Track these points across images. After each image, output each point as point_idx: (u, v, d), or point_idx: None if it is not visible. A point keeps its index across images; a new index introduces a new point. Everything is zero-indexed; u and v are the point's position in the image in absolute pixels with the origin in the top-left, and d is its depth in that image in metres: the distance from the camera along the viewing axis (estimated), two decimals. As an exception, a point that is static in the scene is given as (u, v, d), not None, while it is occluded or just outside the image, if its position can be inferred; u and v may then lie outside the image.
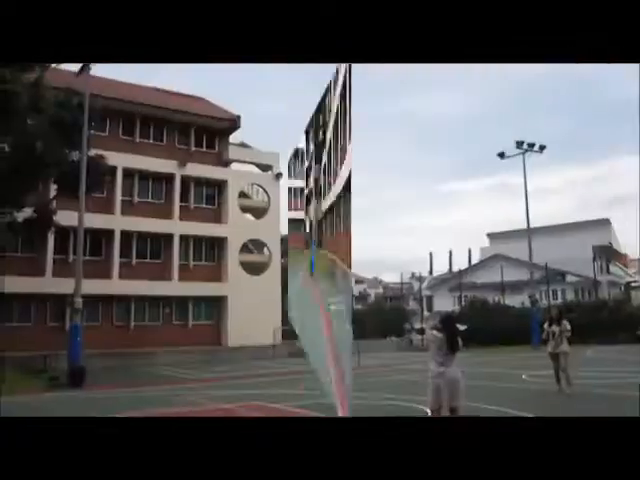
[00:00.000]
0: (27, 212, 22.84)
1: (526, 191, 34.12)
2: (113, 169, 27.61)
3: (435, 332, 6.59)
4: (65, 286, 23.46)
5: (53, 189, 24.27)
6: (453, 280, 50.08)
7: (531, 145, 33.87)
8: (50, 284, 27.04)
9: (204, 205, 33.71)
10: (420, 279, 49.63)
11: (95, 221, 26.42)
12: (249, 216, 36.01)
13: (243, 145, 36.38)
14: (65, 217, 23.68)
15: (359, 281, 70.65)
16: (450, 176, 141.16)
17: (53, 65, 20.44)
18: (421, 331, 40.74)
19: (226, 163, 34.52)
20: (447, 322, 6.62)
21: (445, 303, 49.76)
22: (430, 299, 53.26)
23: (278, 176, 35.46)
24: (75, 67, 21.10)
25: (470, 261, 57.88)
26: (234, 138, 35.70)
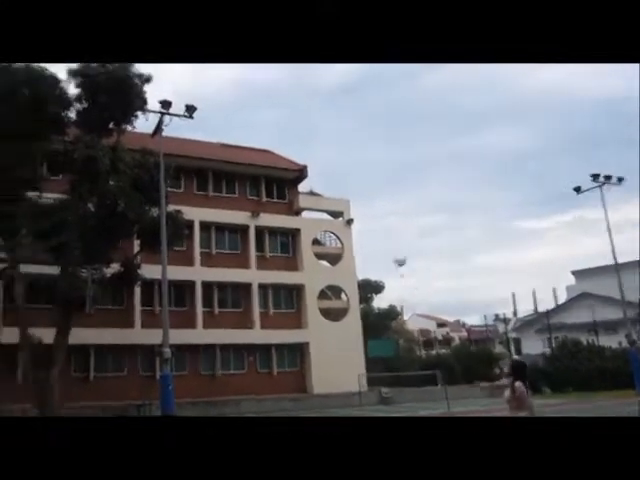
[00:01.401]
0: (114, 267, 24.48)
1: (608, 225, 32.49)
2: (190, 223, 29.13)
3: (505, 379, 6.73)
4: (153, 337, 24.67)
5: (136, 245, 25.97)
6: (540, 321, 48.01)
7: (608, 177, 32.62)
8: (139, 335, 28.61)
9: (279, 254, 34.74)
10: (505, 321, 48.00)
11: (177, 273, 27.75)
12: (324, 263, 36.59)
13: (312, 193, 37.52)
14: (149, 270, 25.20)
15: (441, 324, 68.94)
16: (529, 212, 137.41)
17: (129, 128, 22.34)
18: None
19: (297, 212, 35.70)
20: (518, 369, 6.68)
21: (533, 345, 47.58)
22: (518, 342, 51.12)
23: (349, 222, 36.14)
24: (149, 129, 22.88)
25: (556, 300, 55.44)
26: (303, 187, 37.05)
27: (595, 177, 32.46)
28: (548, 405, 25.16)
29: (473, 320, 72.45)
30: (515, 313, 56.22)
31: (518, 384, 6.18)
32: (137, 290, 28.72)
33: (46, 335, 22.39)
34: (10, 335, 23.49)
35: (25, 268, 21.17)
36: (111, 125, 22.00)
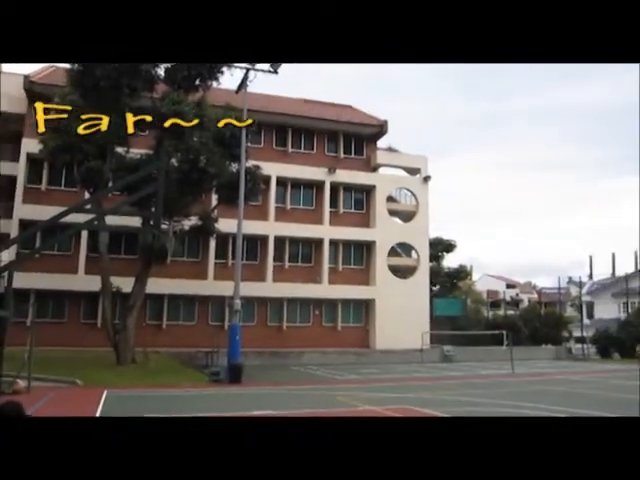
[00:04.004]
0: (193, 220, 24.82)
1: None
2: (267, 178, 29.10)
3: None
4: (225, 288, 25.19)
5: (214, 199, 26.12)
6: (617, 285, 46.34)
7: None
8: (212, 287, 29.20)
9: (353, 210, 34.34)
10: (580, 284, 46.37)
11: (251, 227, 27.67)
12: (397, 220, 36.01)
13: (391, 149, 36.54)
14: (225, 224, 25.41)
15: (510, 285, 67.54)
16: (611, 172, 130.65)
17: (214, 85, 22.01)
18: (581, 340, 38.30)
19: (374, 168, 34.84)
20: None
21: (608, 310, 46.26)
22: (590, 305, 49.65)
23: (426, 179, 35.17)
24: (233, 85, 22.49)
25: (637, 264, 53.07)
26: (382, 143, 36.06)
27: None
28: (617, 370, 26.03)
29: (545, 282, 70.75)
30: (591, 276, 54.19)
31: None
32: (212, 243, 29.12)
33: (125, 284, 23.16)
34: (92, 283, 24.39)
35: (109, 220, 21.55)
36: (197, 81, 21.74)
